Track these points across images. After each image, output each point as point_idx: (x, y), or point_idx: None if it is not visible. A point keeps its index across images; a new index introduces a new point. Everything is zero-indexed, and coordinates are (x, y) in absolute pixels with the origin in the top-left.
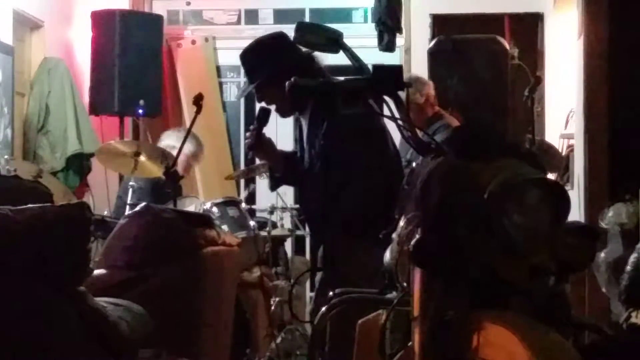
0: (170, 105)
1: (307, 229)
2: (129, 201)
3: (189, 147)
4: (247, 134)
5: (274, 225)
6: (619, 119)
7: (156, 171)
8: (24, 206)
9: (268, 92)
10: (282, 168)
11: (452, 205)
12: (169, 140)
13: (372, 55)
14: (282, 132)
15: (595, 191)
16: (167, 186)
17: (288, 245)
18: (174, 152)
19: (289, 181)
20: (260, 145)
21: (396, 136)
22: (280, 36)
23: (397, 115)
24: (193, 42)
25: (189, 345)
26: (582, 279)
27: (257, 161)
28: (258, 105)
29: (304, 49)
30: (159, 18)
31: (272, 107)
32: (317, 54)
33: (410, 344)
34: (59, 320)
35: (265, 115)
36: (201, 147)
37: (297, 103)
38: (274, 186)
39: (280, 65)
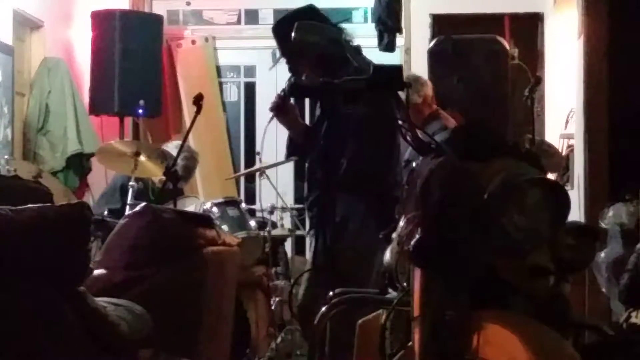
0: (170, 105)
1: (307, 228)
2: (129, 201)
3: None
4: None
5: (274, 225)
6: (619, 119)
7: (156, 171)
8: (24, 206)
9: (300, 62)
10: (302, 137)
11: (452, 205)
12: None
13: (372, 55)
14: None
15: (595, 191)
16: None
17: (288, 245)
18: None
19: (305, 151)
20: (284, 109)
21: None
22: (311, 9)
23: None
24: (193, 42)
25: (189, 345)
26: (582, 279)
27: (258, 163)
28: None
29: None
30: (159, 18)
31: (303, 77)
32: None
33: (410, 344)
34: (59, 320)
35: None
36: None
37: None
38: (289, 154)
39: (311, 36)
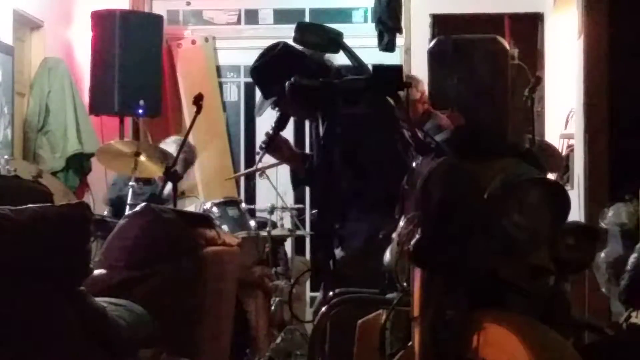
0: (170, 105)
1: (307, 228)
2: (129, 201)
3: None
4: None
5: (274, 225)
6: (619, 119)
7: (156, 171)
8: (24, 206)
9: (286, 103)
10: (301, 167)
11: (452, 206)
12: (169, 149)
13: (372, 55)
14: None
15: (595, 191)
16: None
17: (288, 245)
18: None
19: (310, 181)
20: (275, 145)
21: None
22: (285, 45)
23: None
24: (193, 42)
25: (189, 345)
26: (582, 279)
27: (257, 162)
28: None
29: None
30: (159, 18)
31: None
32: (328, 56)
33: (410, 344)
34: (59, 320)
35: (284, 120)
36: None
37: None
38: (295, 186)
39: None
